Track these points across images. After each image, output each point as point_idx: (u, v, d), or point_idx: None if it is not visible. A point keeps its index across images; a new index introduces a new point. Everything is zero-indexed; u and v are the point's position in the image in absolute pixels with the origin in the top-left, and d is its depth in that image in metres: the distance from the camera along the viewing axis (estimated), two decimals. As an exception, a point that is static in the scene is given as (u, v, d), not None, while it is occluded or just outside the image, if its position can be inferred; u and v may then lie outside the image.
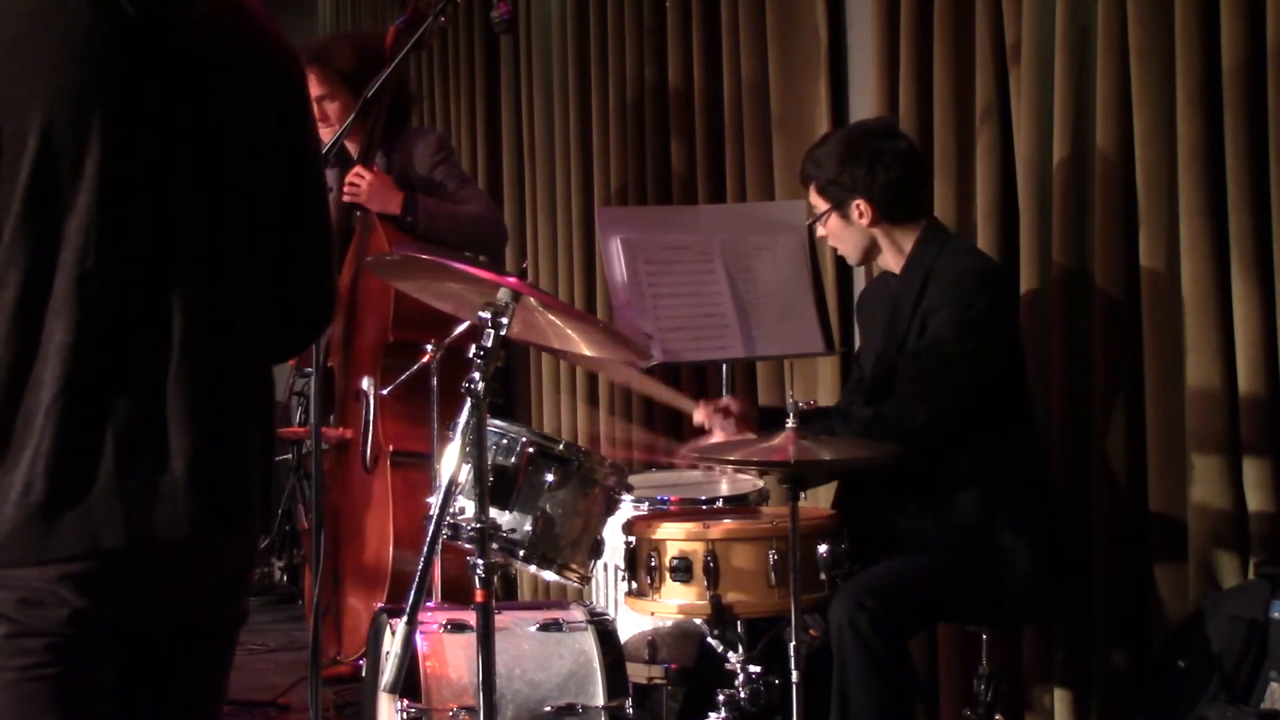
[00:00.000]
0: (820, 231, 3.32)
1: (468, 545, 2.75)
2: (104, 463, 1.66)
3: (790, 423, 2.84)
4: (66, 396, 1.64)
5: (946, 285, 3.11)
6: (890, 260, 3.26)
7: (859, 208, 3.20)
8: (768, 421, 3.20)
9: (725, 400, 3.35)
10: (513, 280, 2.44)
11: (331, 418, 4.34)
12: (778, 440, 2.83)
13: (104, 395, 1.66)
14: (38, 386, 1.64)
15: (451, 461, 2.34)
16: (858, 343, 3.57)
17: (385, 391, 3.99)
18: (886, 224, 3.22)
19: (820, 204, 3.26)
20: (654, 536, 3.02)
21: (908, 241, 3.22)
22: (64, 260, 1.65)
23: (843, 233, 3.26)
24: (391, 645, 2.18)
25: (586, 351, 2.82)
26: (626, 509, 3.24)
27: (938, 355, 3.07)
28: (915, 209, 3.26)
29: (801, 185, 3.35)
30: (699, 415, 3.33)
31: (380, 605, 3.33)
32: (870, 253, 3.28)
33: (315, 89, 4.20)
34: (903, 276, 3.22)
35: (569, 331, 2.71)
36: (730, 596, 2.94)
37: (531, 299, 2.49)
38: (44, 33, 1.66)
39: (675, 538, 2.99)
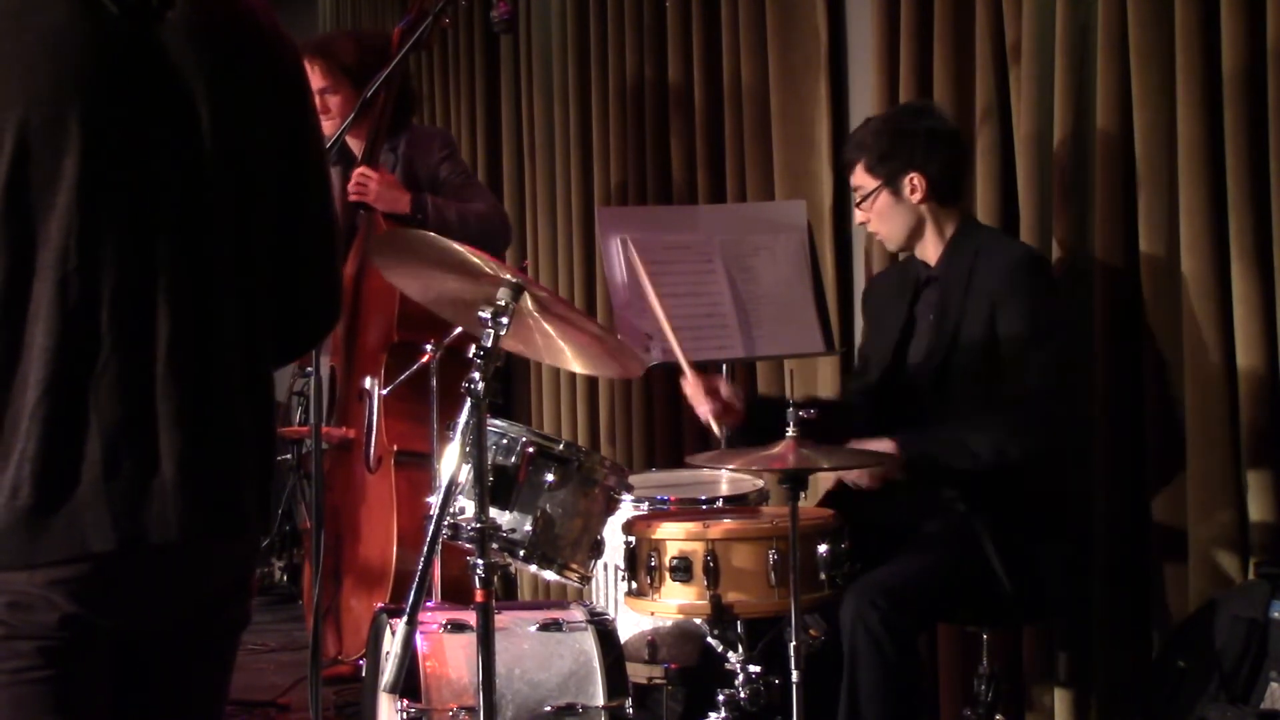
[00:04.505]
0: (860, 217, 3.28)
1: (468, 545, 2.75)
2: (90, 465, 1.64)
3: (790, 431, 2.82)
4: (50, 399, 1.62)
5: (1006, 272, 3.08)
6: (929, 247, 3.23)
7: (912, 182, 3.17)
8: (766, 416, 3.12)
9: (719, 384, 3.28)
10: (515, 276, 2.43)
11: (333, 417, 4.34)
12: (777, 448, 2.83)
13: (89, 397, 1.64)
14: (23, 389, 1.62)
15: (451, 461, 2.34)
16: (859, 336, 3.54)
17: (386, 391, 3.99)
18: (934, 203, 3.19)
19: (868, 183, 3.22)
20: (654, 536, 3.01)
21: (950, 227, 3.21)
22: (44, 262, 1.63)
23: (890, 211, 3.21)
24: (391, 645, 2.18)
25: (584, 355, 2.81)
26: (626, 509, 3.24)
27: (1037, 345, 3.04)
28: (961, 192, 3.24)
29: (846, 170, 3.30)
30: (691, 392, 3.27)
31: (380, 605, 3.33)
32: (913, 236, 3.24)
33: (317, 82, 4.21)
34: (946, 261, 3.19)
35: (568, 335, 2.71)
36: (730, 596, 2.94)
37: (531, 301, 2.49)
38: (22, 30, 1.63)
39: (675, 538, 2.99)
